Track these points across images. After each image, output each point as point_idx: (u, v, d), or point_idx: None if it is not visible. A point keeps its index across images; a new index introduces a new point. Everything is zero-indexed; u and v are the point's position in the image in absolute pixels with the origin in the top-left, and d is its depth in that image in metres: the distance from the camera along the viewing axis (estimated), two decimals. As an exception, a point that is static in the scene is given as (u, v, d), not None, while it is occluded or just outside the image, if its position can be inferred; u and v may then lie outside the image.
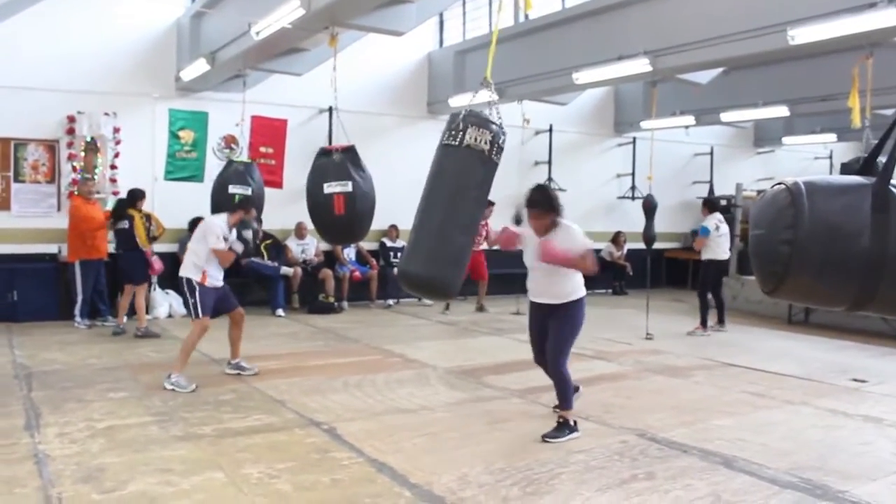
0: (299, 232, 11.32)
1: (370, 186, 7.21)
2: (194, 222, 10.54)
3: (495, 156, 4.91)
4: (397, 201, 11.87)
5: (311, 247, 11.40)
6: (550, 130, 13.47)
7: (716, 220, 9.52)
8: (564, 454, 4.67)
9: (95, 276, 9.33)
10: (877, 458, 4.77)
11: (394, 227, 12.02)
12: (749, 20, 7.44)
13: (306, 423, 5.26)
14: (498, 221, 12.07)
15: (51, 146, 9.97)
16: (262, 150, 11.13)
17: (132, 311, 9.49)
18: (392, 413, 5.60)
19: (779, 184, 2.58)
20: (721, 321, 9.73)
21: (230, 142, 10.93)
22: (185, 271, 6.38)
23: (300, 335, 9.14)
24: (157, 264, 9.17)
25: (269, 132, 11.28)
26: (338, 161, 6.92)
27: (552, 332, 5.06)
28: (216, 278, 6.43)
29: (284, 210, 10.80)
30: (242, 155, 10.01)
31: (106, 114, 10.13)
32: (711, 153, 15.54)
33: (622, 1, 8.90)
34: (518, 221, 5.22)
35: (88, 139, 10.03)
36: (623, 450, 4.79)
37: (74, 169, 9.95)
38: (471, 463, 4.46)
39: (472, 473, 4.28)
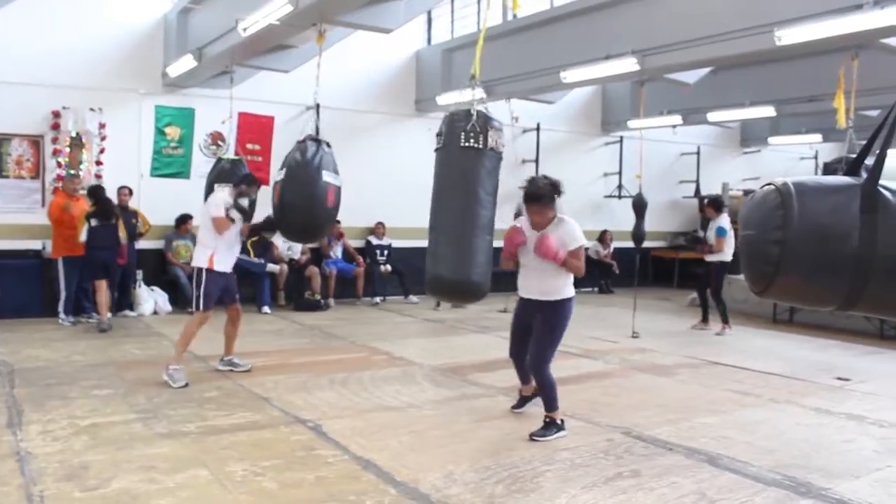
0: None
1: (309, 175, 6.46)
2: (181, 219, 10.52)
3: (502, 154, 5.05)
4: (384, 199, 11.91)
5: (297, 244, 11.36)
6: (538, 129, 13.49)
7: (728, 220, 9.49)
8: (550, 452, 4.67)
9: (79, 273, 9.25)
10: (859, 456, 4.80)
11: (380, 224, 12.01)
12: (736, 21, 7.47)
13: (291, 421, 5.24)
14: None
15: (35, 141, 9.89)
16: (249, 146, 11.09)
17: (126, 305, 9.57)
18: (378, 410, 5.59)
19: (768, 184, 2.59)
20: (705, 320, 9.81)
21: (217, 138, 10.88)
22: (194, 261, 6.42)
23: (286, 332, 9.11)
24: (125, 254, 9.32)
25: (256, 129, 11.24)
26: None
27: (536, 333, 5.05)
28: (225, 263, 6.42)
29: (270, 207, 10.74)
30: (229, 152, 9.97)
31: (91, 109, 10.07)
32: (698, 153, 15.61)
33: (610, 0, 8.92)
34: (518, 215, 5.25)
35: (74, 135, 9.96)
36: (608, 448, 4.79)
37: (59, 165, 9.88)
38: (456, 460, 4.46)
39: (457, 471, 4.28)
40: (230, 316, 6.75)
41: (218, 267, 6.34)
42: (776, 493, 4.08)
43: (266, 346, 8.08)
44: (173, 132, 10.79)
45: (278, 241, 11.26)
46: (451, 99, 11.44)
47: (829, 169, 10.80)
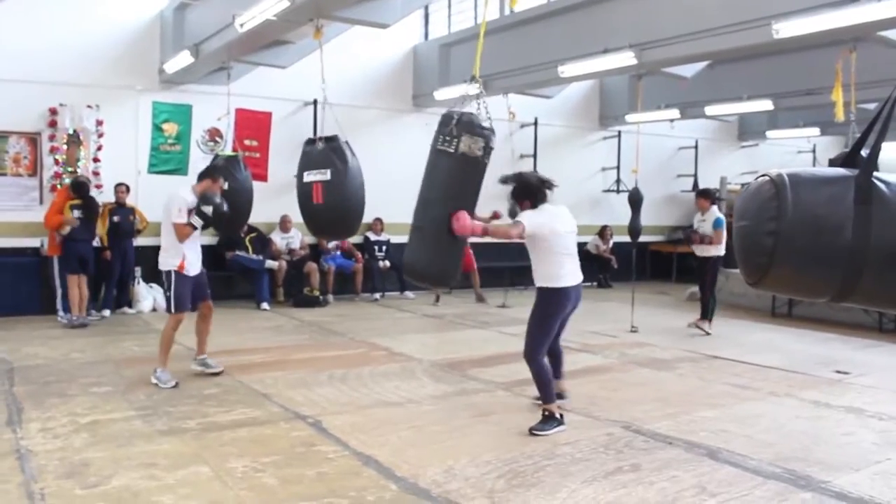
0: (284, 225, 11.27)
1: (354, 176, 6.83)
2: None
3: (487, 158, 5.06)
4: (382, 194, 11.86)
5: (295, 240, 11.36)
6: (536, 123, 13.48)
7: (723, 212, 9.24)
8: (550, 446, 4.68)
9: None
10: (859, 449, 4.82)
11: (378, 220, 12.00)
12: (734, 14, 7.46)
13: (291, 417, 5.25)
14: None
15: (33, 139, 9.86)
16: (247, 143, 11.06)
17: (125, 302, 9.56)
18: (378, 406, 5.59)
19: (763, 175, 2.59)
20: (704, 317, 9.46)
21: (214, 135, 10.86)
22: (162, 264, 6.16)
23: (285, 329, 9.11)
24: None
25: (254, 125, 11.21)
26: (319, 150, 6.82)
27: (529, 317, 5.14)
28: (195, 265, 6.19)
29: (269, 203, 10.74)
30: (227, 148, 9.95)
31: (89, 106, 10.04)
32: (696, 147, 15.61)
33: (607, -6, 8.91)
34: (513, 215, 5.29)
35: (71, 132, 9.94)
36: (608, 442, 4.80)
37: (57, 162, 9.86)
38: (456, 456, 4.46)
39: (457, 466, 4.29)
40: (202, 313, 6.47)
41: (190, 271, 6.13)
42: (776, 486, 4.09)
43: (265, 343, 8.08)
44: (171, 129, 10.77)
45: (276, 236, 11.28)
46: (449, 94, 11.43)
47: (834, 165, 10.78)
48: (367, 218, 11.91)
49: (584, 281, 5.27)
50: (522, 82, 10.65)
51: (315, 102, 11.01)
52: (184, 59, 9.48)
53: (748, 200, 2.61)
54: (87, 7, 10.09)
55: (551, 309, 5.05)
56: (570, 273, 5.08)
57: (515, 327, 8.96)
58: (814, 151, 16.54)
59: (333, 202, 6.57)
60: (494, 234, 5.06)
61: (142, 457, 4.35)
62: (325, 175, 6.55)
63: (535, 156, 13.24)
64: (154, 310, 10.13)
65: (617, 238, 14.01)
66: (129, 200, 10.03)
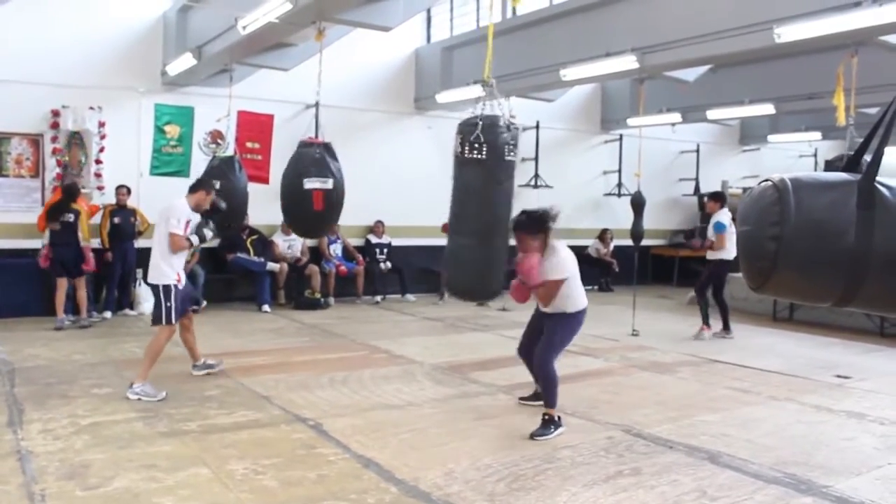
0: (285, 228, 11.26)
1: (342, 181, 7.18)
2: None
3: (516, 156, 5.12)
4: (383, 197, 11.91)
5: (297, 243, 11.36)
6: (537, 127, 13.46)
7: (728, 217, 8.97)
8: (550, 450, 4.68)
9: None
10: (860, 453, 4.81)
11: (379, 222, 12.00)
12: (736, 18, 7.46)
13: (292, 419, 5.25)
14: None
15: (35, 140, 9.88)
16: (249, 145, 11.06)
17: (119, 306, 9.49)
18: (378, 409, 5.59)
19: (766, 180, 2.59)
20: (726, 327, 9.16)
21: (216, 137, 10.85)
22: (155, 278, 5.96)
23: (286, 331, 9.12)
24: (92, 261, 9.14)
25: (256, 127, 11.20)
26: (318, 156, 6.88)
27: (546, 332, 5.17)
28: (184, 275, 6.13)
29: (271, 206, 10.68)
30: (228, 150, 9.96)
31: (91, 108, 10.05)
32: (697, 151, 15.60)
33: (609, -2, 8.92)
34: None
35: (73, 133, 9.95)
36: (609, 445, 4.80)
37: (59, 163, 9.86)
38: (457, 459, 4.46)
39: (458, 469, 4.29)
40: (184, 324, 6.31)
41: (182, 282, 6.06)
42: (776, 491, 4.09)
43: (266, 345, 8.08)
44: (173, 131, 10.77)
45: (278, 239, 11.28)
46: (451, 97, 11.44)
47: (830, 167, 10.77)
48: (369, 220, 12.00)
49: (585, 285, 5.30)
50: (524, 86, 10.64)
51: (317, 105, 11.01)
52: (186, 61, 9.49)
53: (751, 205, 2.62)
54: (89, 9, 10.10)
55: (576, 328, 5.23)
56: (583, 292, 5.26)
57: (516, 330, 8.91)
58: (815, 155, 16.53)
59: (332, 208, 6.73)
60: (540, 291, 5.06)
61: (142, 458, 4.35)
62: (328, 184, 6.64)
63: (536, 159, 13.23)
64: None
65: (618, 241, 14.00)
66: (131, 202, 10.03)
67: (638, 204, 9.66)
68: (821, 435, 5.19)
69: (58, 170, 9.83)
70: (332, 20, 7.71)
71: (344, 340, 8.50)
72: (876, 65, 8.88)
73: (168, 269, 5.94)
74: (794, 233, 2.45)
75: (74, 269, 8.93)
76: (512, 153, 5.08)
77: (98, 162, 10.15)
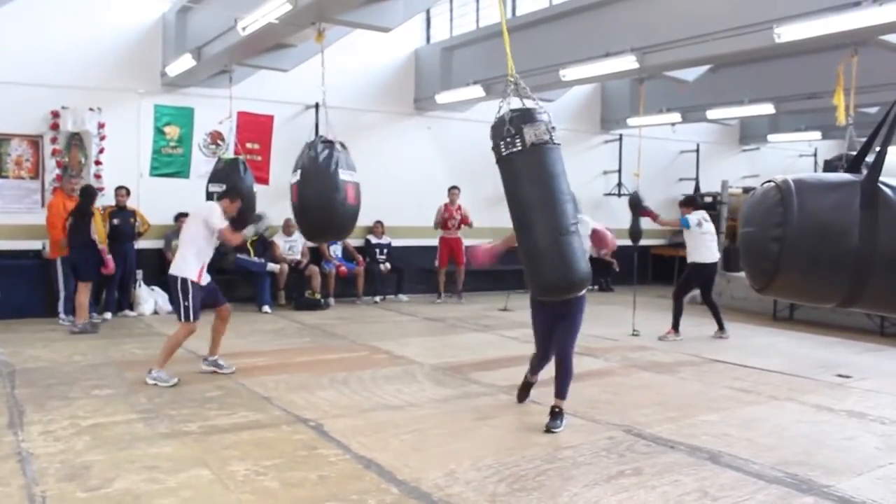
0: (286, 229, 11.26)
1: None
2: (179, 218, 10.50)
3: (555, 139, 5.21)
4: (383, 198, 11.89)
5: (298, 244, 11.36)
6: (537, 127, 13.46)
7: (699, 217, 8.93)
8: (552, 450, 4.67)
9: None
10: (861, 453, 4.81)
11: (379, 223, 12.00)
12: (735, 18, 7.47)
13: (293, 420, 5.24)
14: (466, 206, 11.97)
15: (35, 141, 9.88)
16: (249, 146, 11.08)
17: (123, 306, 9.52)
18: (379, 410, 5.59)
19: (769, 181, 2.59)
20: (721, 327, 9.10)
21: (216, 138, 10.87)
22: (179, 270, 6.19)
23: (287, 332, 9.11)
24: (111, 263, 9.04)
25: (256, 128, 11.23)
26: (343, 151, 6.94)
27: (569, 321, 5.21)
28: (205, 276, 6.34)
29: (271, 207, 10.70)
30: (229, 151, 9.96)
31: (91, 109, 10.05)
32: (697, 150, 15.61)
33: (609, -2, 8.93)
34: None
35: (73, 135, 9.94)
36: (610, 446, 4.80)
37: (59, 164, 9.86)
38: (458, 459, 4.46)
39: (459, 470, 4.28)
40: (222, 316, 6.61)
41: (203, 281, 6.28)
42: (778, 491, 4.08)
43: (267, 346, 8.07)
44: (172, 132, 10.78)
45: (279, 240, 11.28)
46: (451, 98, 11.44)
47: (829, 166, 10.78)
48: (368, 221, 11.99)
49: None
50: (524, 86, 10.64)
51: (317, 106, 11.02)
52: (186, 62, 9.49)
53: (754, 206, 2.62)
54: (89, 10, 10.10)
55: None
56: None
57: (517, 331, 8.97)
58: (815, 155, 16.54)
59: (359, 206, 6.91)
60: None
61: (143, 460, 4.35)
62: (355, 177, 6.73)
63: (536, 159, 13.22)
64: (155, 312, 10.14)
65: (618, 241, 13.96)
66: (131, 203, 10.03)
67: (633, 205, 9.63)
68: (822, 434, 5.18)
69: (57, 171, 9.84)
70: (332, 21, 7.71)
71: (344, 341, 8.50)
72: (876, 65, 8.88)
73: (187, 265, 6.19)
74: (798, 234, 2.45)
75: (85, 273, 8.80)
76: (547, 134, 5.14)
77: (98, 163, 10.15)
